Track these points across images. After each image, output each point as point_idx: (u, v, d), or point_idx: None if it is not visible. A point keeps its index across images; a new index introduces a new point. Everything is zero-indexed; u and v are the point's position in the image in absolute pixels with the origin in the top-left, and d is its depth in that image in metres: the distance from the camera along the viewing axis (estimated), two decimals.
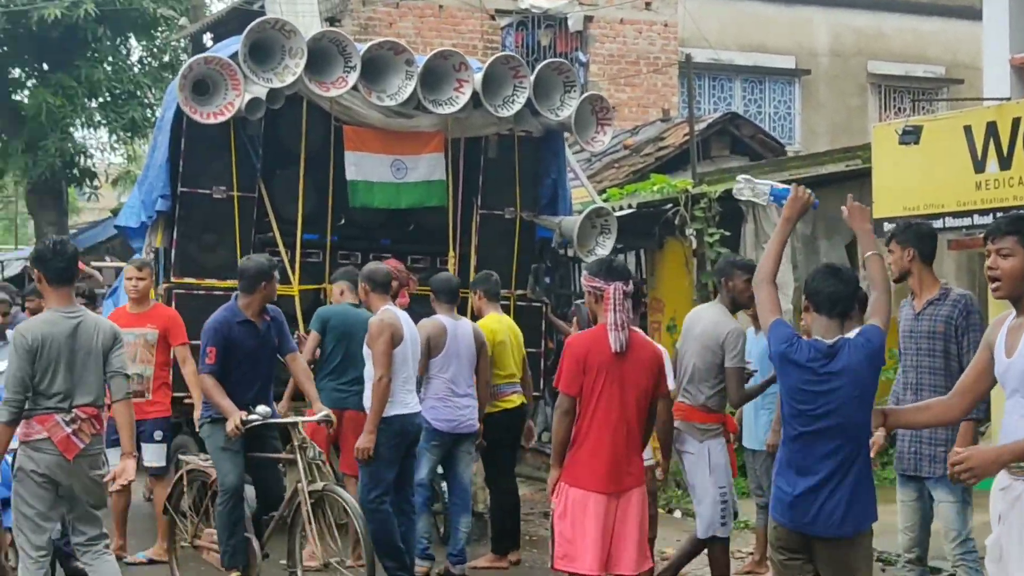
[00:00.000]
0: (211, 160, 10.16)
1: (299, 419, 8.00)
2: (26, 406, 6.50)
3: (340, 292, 9.52)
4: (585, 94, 11.34)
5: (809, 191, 5.85)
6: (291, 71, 9.86)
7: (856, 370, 5.28)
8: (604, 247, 11.22)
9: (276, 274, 8.04)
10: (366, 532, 7.51)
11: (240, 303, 7.92)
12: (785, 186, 6.03)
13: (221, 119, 9.76)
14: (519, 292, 11.28)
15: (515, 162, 11.23)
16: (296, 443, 7.77)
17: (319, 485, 7.66)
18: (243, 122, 10.05)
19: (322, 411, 7.95)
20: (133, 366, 8.88)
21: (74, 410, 6.51)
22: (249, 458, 7.89)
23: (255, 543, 7.92)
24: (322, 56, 10.11)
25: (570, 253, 12.70)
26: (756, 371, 7.95)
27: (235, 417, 7.58)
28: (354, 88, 10.18)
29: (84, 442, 6.52)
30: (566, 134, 11.68)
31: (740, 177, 6.34)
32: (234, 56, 9.73)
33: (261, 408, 7.74)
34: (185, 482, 8.38)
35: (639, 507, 6.36)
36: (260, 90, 9.86)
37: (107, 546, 6.82)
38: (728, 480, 7.66)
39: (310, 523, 7.59)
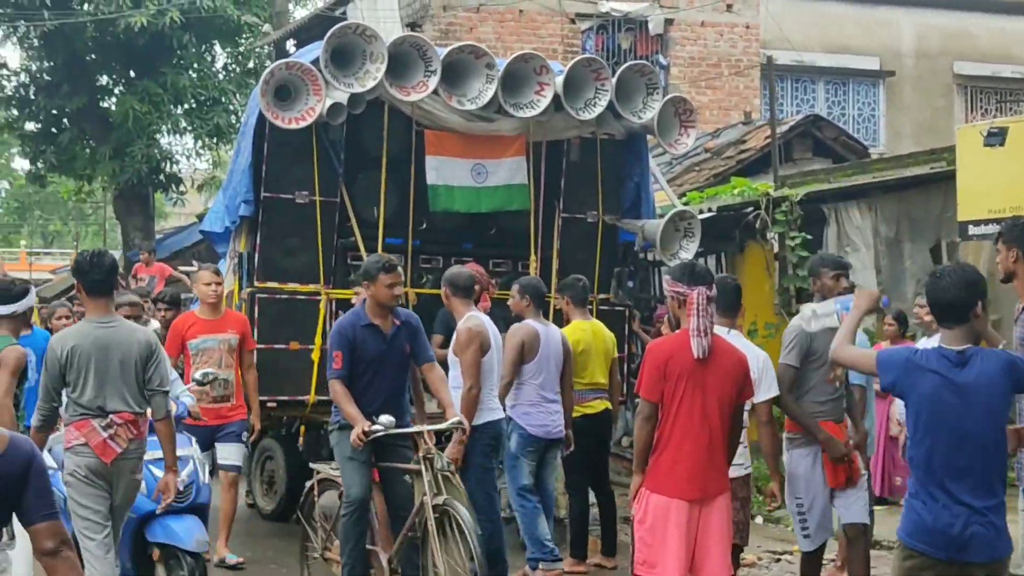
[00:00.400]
0: (294, 165, 10.18)
1: (425, 428, 7.65)
2: (67, 413, 6.77)
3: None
4: (668, 96, 11.22)
5: (878, 293, 6.05)
6: (372, 76, 9.83)
7: (990, 381, 4.98)
8: (688, 250, 11.10)
9: (392, 274, 7.53)
10: (480, 550, 7.24)
11: (366, 306, 7.65)
12: (850, 295, 6.12)
13: (303, 124, 9.78)
14: (602, 296, 11.19)
15: (597, 165, 11.13)
16: (422, 453, 7.48)
17: (442, 499, 7.36)
18: (325, 127, 10.05)
19: (455, 418, 7.63)
20: (220, 371, 9.14)
21: (110, 415, 6.68)
22: (377, 468, 7.66)
23: (382, 557, 7.67)
24: (403, 61, 10.10)
25: (651, 257, 12.55)
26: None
27: (359, 426, 7.29)
28: (434, 92, 10.13)
29: (121, 446, 6.68)
30: (648, 137, 11.55)
31: (804, 307, 6.40)
32: (316, 62, 9.75)
33: (384, 417, 7.42)
34: (316, 492, 8.13)
35: (723, 515, 6.23)
36: (341, 95, 9.85)
37: None
38: (811, 492, 7.29)
39: (434, 538, 7.32)
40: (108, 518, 6.74)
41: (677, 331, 6.37)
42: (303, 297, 10.15)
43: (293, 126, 9.76)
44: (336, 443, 7.66)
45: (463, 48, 10.42)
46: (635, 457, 6.40)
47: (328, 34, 9.90)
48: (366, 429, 7.29)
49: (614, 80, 10.66)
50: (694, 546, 6.16)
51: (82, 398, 6.68)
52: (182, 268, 18.64)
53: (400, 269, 7.81)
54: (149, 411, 6.89)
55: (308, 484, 8.29)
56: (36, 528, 3.79)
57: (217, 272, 9.85)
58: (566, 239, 11.13)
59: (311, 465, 8.51)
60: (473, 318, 8.34)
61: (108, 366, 6.67)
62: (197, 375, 8.49)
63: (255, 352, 9.75)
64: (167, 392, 6.92)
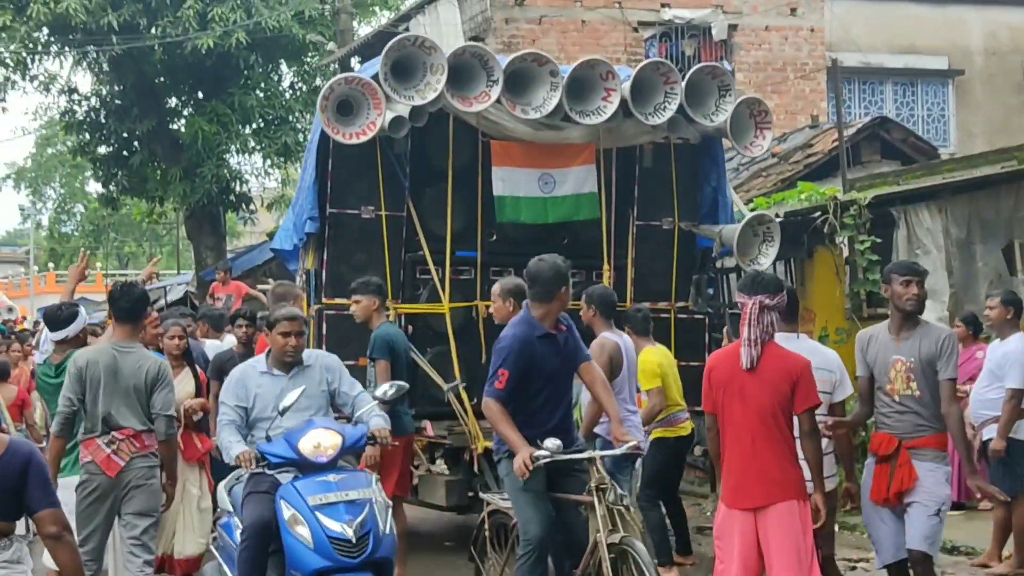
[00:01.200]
0: (359, 180, 10.16)
1: (598, 453, 6.90)
2: (80, 431, 7.36)
3: (365, 308, 9.06)
4: (742, 97, 10.97)
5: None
6: (432, 88, 9.76)
7: None
8: (767, 256, 10.90)
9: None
10: None
11: (536, 314, 6.90)
12: None
13: (363, 139, 9.73)
14: (680, 305, 11.04)
15: (672, 171, 10.97)
16: (594, 483, 6.65)
17: (618, 536, 6.53)
18: (389, 141, 10.01)
19: (631, 441, 6.98)
20: None
21: (112, 432, 7.22)
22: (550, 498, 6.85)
23: None
24: (465, 71, 10.02)
25: (728, 264, 12.28)
26: None
27: (523, 454, 6.50)
28: (498, 102, 10.02)
29: (123, 459, 7.23)
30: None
31: None
32: (376, 76, 9.70)
33: (551, 441, 6.61)
34: (487, 524, 7.47)
35: (784, 521, 6.07)
36: (403, 108, 9.79)
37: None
38: (865, 506, 7.02)
39: None
40: (100, 530, 7.28)
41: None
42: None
43: (354, 141, 9.74)
44: (506, 473, 6.89)
45: (526, 56, 10.30)
46: (712, 467, 6.49)
47: (387, 47, 9.84)
48: (532, 455, 6.54)
49: (683, 83, 10.46)
50: (759, 554, 6.13)
51: (91, 413, 7.26)
52: (260, 287, 18.73)
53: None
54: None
55: (480, 517, 7.66)
56: (39, 516, 4.40)
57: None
58: (641, 247, 10.99)
59: (481, 495, 8.08)
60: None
61: (116, 387, 7.23)
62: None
63: None
64: (170, 416, 7.45)
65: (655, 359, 9.23)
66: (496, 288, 8.38)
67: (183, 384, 8.95)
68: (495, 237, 10.62)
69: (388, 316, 9.95)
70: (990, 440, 8.82)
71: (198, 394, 9.13)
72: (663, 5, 19.55)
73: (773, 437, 6.14)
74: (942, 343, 6.65)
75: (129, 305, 7.47)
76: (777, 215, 12.64)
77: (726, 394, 6.18)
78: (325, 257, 10.23)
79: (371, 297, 8.99)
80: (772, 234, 10.97)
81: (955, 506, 9.82)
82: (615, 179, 10.74)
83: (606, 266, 10.68)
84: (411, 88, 9.81)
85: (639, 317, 9.45)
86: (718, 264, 12.11)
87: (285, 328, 7.03)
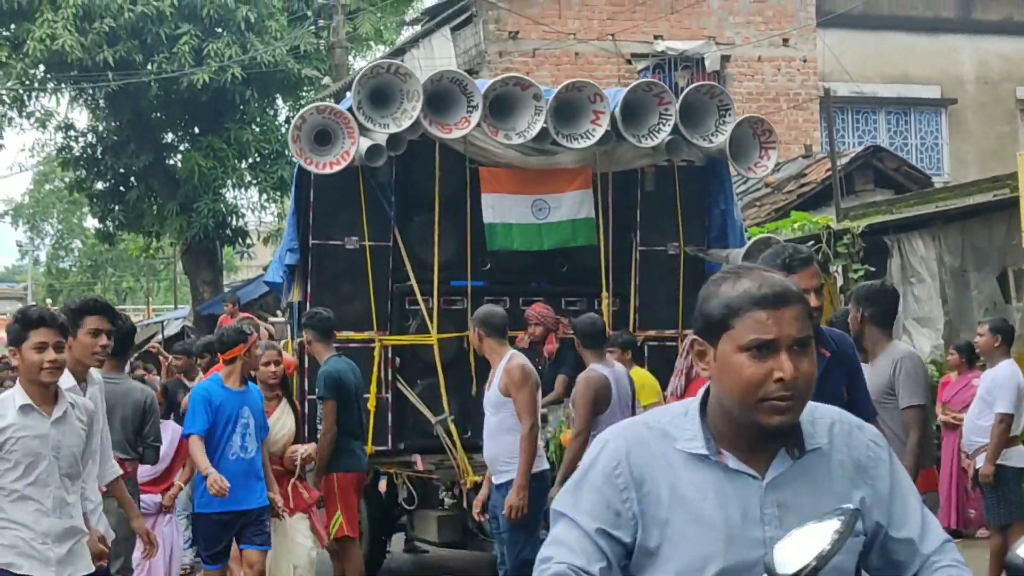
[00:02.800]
0: (342, 210, 9.99)
1: None
2: None
3: (309, 342, 9.06)
4: (743, 116, 10.67)
5: None
6: (409, 115, 9.52)
7: None
8: None
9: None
10: None
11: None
12: None
13: (337, 168, 9.54)
14: (687, 332, 10.82)
15: (676, 194, 10.64)
16: None
17: None
18: (372, 170, 9.83)
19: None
20: None
21: None
22: None
23: None
24: (444, 97, 9.83)
25: None
26: None
27: None
28: (480, 127, 9.80)
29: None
30: None
31: None
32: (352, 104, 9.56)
33: None
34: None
35: None
36: (380, 136, 9.59)
37: None
38: None
39: None
40: None
41: None
42: (356, 345, 9.84)
43: (328, 171, 9.55)
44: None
45: (507, 80, 10.09)
46: None
47: (359, 75, 9.72)
48: None
49: (678, 104, 10.17)
50: None
51: None
52: (272, 320, 18.54)
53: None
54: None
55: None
56: None
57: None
58: (645, 273, 10.62)
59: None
60: (517, 356, 7.83)
61: (107, 417, 7.22)
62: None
63: None
64: (158, 447, 7.60)
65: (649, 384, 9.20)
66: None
67: (283, 421, 8.62)
68: (489, 266, 10.41)
69: (374, 349, 9.85)
70: None
71: (298, 434, 8.76)
72: (656, 37, 19.63)
73: None
74: (895, 367, 6.31)
75: (117, 339, 7.43)
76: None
77: None
78: (309, 289, 10.04)
79: (308, 332, 9.03)
80: None
81: (952, 534, 9.76)
82: (615, 204, 10.48)
83: (604, 293, 10.38)
84: (387, 116, 9.61)
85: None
86: None
87: None
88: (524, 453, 7.54)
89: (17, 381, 5.41)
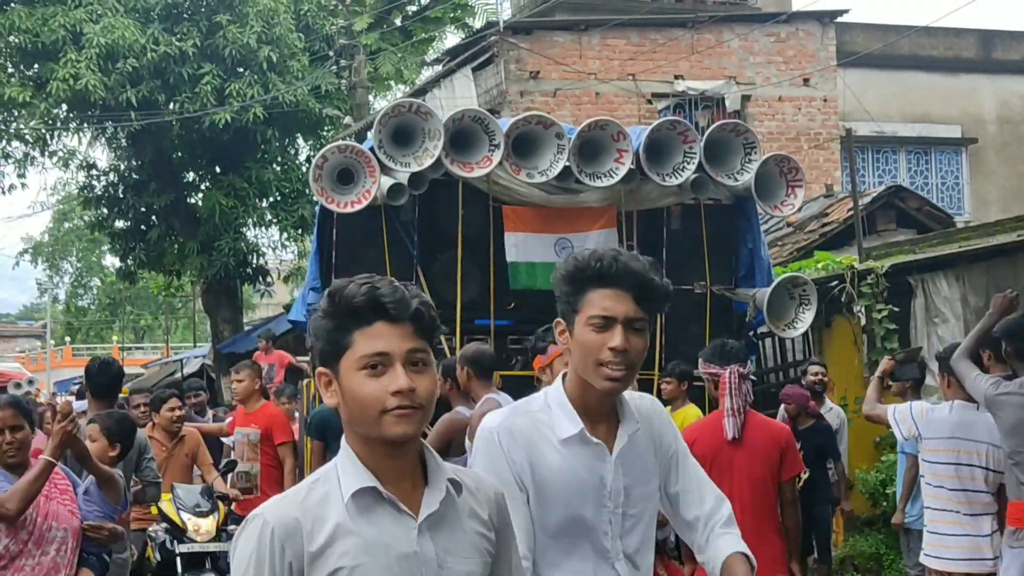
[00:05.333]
0: (364, 249, 9.97)
1: None
2: None
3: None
4: (769, 154, 10.54)
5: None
6: (430, 154, 9.52)
7: None
8: (803, 321, 10.44)
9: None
10: None
11: None
12: None
13: (358, 207, 9.54)
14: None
15: (702, 233, 10.55)
16: None
17: None
18: (394, 209, 9.83)
19: None
20: (241, 464, 9.89)
21: None
22: None
23: None
24: (466, 136, 9.81)
25: (763, 329, 11.68)
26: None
27: None
28: (503, 166, 9.78)
29: None
30: None
31: None
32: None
33: None
34: None
35: None
36: (402, 175, 9.58)
37: None
38: None
39: None
40: None
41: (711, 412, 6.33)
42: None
43: (349, 210, 9.55)
44: None
45: (530, 119, 10.02)
46: (682, 546, 6.27)
47: (380, 114, 9.70)
48: None
49: (703, 142, 10.10)
50: None
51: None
52: (299, 358, 18.47)
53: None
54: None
55: None
56: None
57: (239, 370, 10.49)
58: (671, 313, 10.38)
59: None
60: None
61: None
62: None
63: (288, 445, 10.18)
64: (159, 483, 8.10)
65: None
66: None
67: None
68: (513, 305, 10.33)
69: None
70: None
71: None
72: (676, 77, 19.68)
73: (762, 509, 6.05)
74: None
75: (106, 381, 7.84)
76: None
77: (712, 467, 5.86)
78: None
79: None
80: (808, 297, 10.47)
81: None
82: (640, 242, 10.32)
83: None
84: (409, 155, 9.62)
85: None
86: (763, 330, 11.61)
87: None
88: None
89: None
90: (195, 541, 8.95)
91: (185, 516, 9.02)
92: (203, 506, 9.12)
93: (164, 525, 9.13)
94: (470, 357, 7.56)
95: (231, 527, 9.16)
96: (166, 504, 9.06)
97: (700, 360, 6.37)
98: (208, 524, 9.04)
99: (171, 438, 9.64)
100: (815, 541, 10.15)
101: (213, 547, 8.94)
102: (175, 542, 9.01)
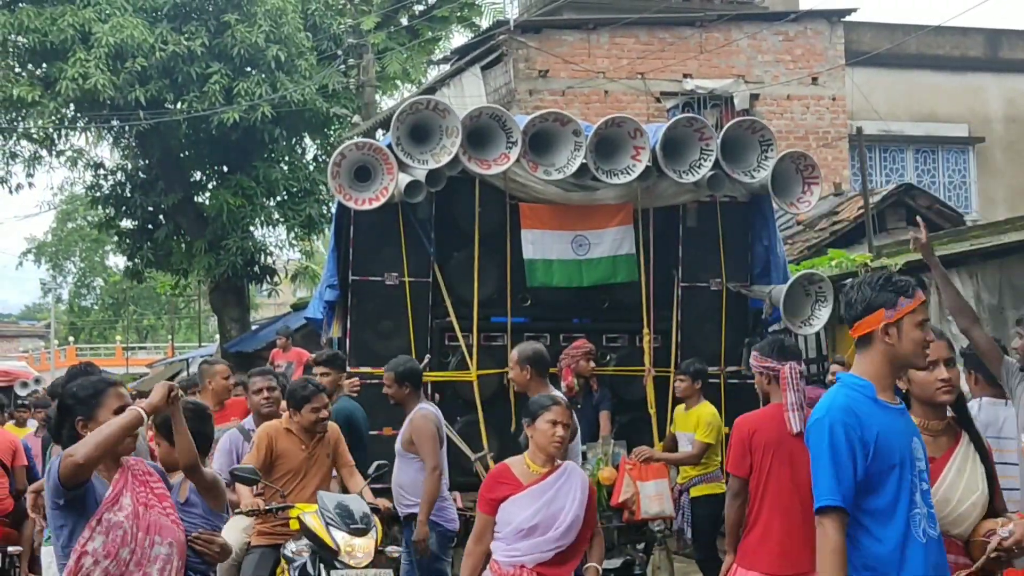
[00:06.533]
0: (382, 246, 10.01)
1: None
2: None
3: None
4: (785, 151, 10.57)
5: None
6: (448, 151, 9.57)
7: None
8: (819, 318, 10.49)
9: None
10: None
11: None
12: None
13: (376, 204, 9.59)
14: (731, 369, 10.55)
15: (718, 230, 10.63)
16: None
17: None
18: (412, 206, 9.86)
19: None
20: None
21: None
22: None
23: None
24: (484, 133, 9.86)
25: (778, 326, 11.76)
26: None
27: None
28: (519, 163, 9.82)
29: None
30: None
31: None
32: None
33: None
34: None
35: None
36: (420, 172, 9.62)
37: None
38: None
39: None
40: None
41: (765, 406, 6.33)
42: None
43: (367, 207, 9.60)
44: None
45: (547, 116, 10.05)
46: (727, 535, 6.30)
47: (398, 111, 9.71)
48: None
49: (719, 139, 10.15)
50: None
51: None
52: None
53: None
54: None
55: None
56: None
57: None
58: (687, 310, 10.59)
59: None
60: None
61: None
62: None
63: None
64: None
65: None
66: (513, 355, 8.18)
67: None
68: (529, 302, 10.39)
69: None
70: None
71: None
72: (685, 76, 19.69)
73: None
74: None
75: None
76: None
77: (774, 458, 6.04)
78: (348, 325, 10.04)
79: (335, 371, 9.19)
80: (825, 294, 10.51)
81: None
82: (656, 239, 10.43)
83: (646, 330, 10.30)
84: (426, 152, 9.64)
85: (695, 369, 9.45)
86: (773, 327, 11.66)
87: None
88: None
89: None
90: (349, 567, 7.21)
91: (337, 534, 7.26)
92: (358, 520, 7.33)
93: (305, 542, 7.44)
94: (530, 357, 7.89)
95: (390, 549, 7.93)
96: (311, 518, 7.35)
97: (755, 354, 6.39)
98: (365, 544, 7.29)
99: (311, 437, 8.00)
100: None
101: (371, 573, 7.25)
102: (324, 566, 7.29)
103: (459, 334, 10.12)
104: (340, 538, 7.20)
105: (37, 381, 27.43)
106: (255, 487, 7.75)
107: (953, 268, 12.18)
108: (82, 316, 66.91)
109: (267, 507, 7.54)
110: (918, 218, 6.99)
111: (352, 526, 7.24)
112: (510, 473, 6.18)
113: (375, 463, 8.12)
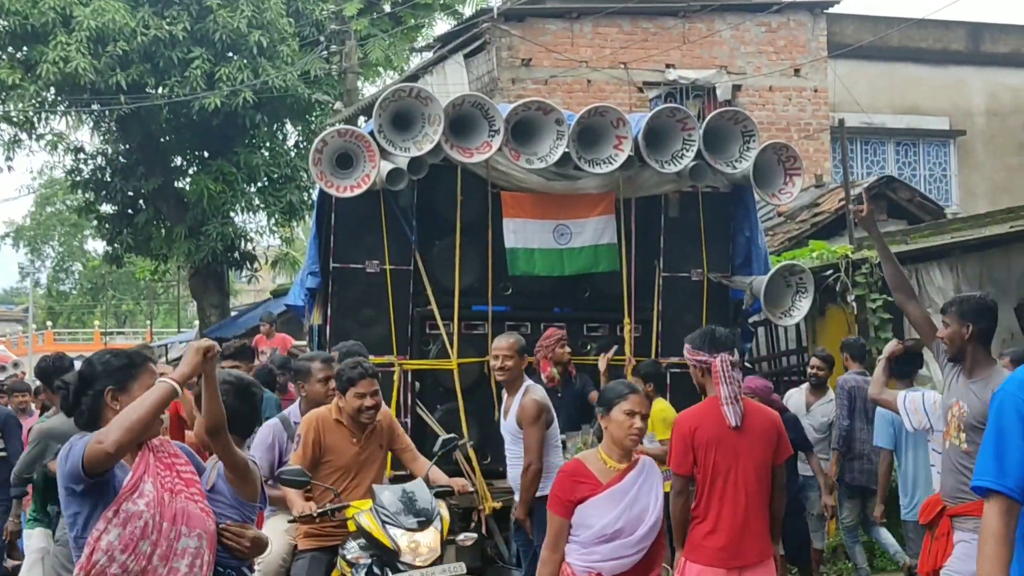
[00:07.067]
0: (363, 234, 9.95)
1: None
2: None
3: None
4: (768, 142, 10.53)
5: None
6: (430, 139, 9.49)
7: None
8: (800, 309, 10.46)
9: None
10: None
11: None
12: None
13: (358, 192, 9.50)
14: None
15: (700, 220, 10.59)
16: None
17: None
18: (393, 194, 9.80)
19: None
20: None
21: None
22: None
23: None
24: (466, 122, 9.80)
25: (758, 317, 11.79)
26: None
27: None
28: (502, 152, 9.77)
29: None
30: None
31: None
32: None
33: None
34: None
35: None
36: (402, 160, 9.57)
37: None
38: None
39: None
40: None
41: (703, 400, 6.30)
42: (376, 369, 9.87)
43: (348, 194, 9.52)
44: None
45: (529, 105, 9.98)
46: (675, 532, 6.26)
47: (380, 98, 9.63)
48: None
49: (702, 129, 10.13)
50: None
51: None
52: (297, 343, 18.30)
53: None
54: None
55: None
56: None
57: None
58: (668, 300, 10.56)
59: None
60: (533, 388, 8.34)
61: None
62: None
63: None
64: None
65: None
66: (510, 343, 8.31)
67: None
68: (510, 291, 10.36)
69: (394, 373, 9.78)
70: None
71: None
72: (668, 66, 19.69)
73: (762, 494, 6.08)
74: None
75: (50, 374, 7.83)
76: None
77: (718, 453, 5.99)
78: (329, 313, 9.98)
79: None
80: (805, 285, 10.49)
81: None
82: (638, 229, 10.42)
83: (627, 319, 10.31)
84: (408, 140, 9.59)
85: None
86: (753, 317, 11.69)
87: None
88: (528, 483, 8.26)
89: None
90: (414, 566, 6.55)
91: (395, 533, 6.61)
92: (419, 513, 6.71)
93: (361, 541, 6.79)
94: (524, 346, 8.51)
95: (461, 538, 7.28)
96: (366, 517, 6.70)
97: (687, 346, 6.29)
98: (430, 539, 6.65)
99: (362, 429, 7.31)
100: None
101: (439, 572, 6.58)
102: (387, 570, 6.63)
103: (440, 322, 10.08)
104: (400, 537, 6.59)
105: (15, 365, 27.29)
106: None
107: (934, 261, 12.25)
108: (61, 301, 66.68)
109: (320, 510, 6.86)
110: (862, 191, 6.94)
111: (413, 520, 6.63)
112: (587, 470, 5.81)
113: (440, 439, 7.80)
